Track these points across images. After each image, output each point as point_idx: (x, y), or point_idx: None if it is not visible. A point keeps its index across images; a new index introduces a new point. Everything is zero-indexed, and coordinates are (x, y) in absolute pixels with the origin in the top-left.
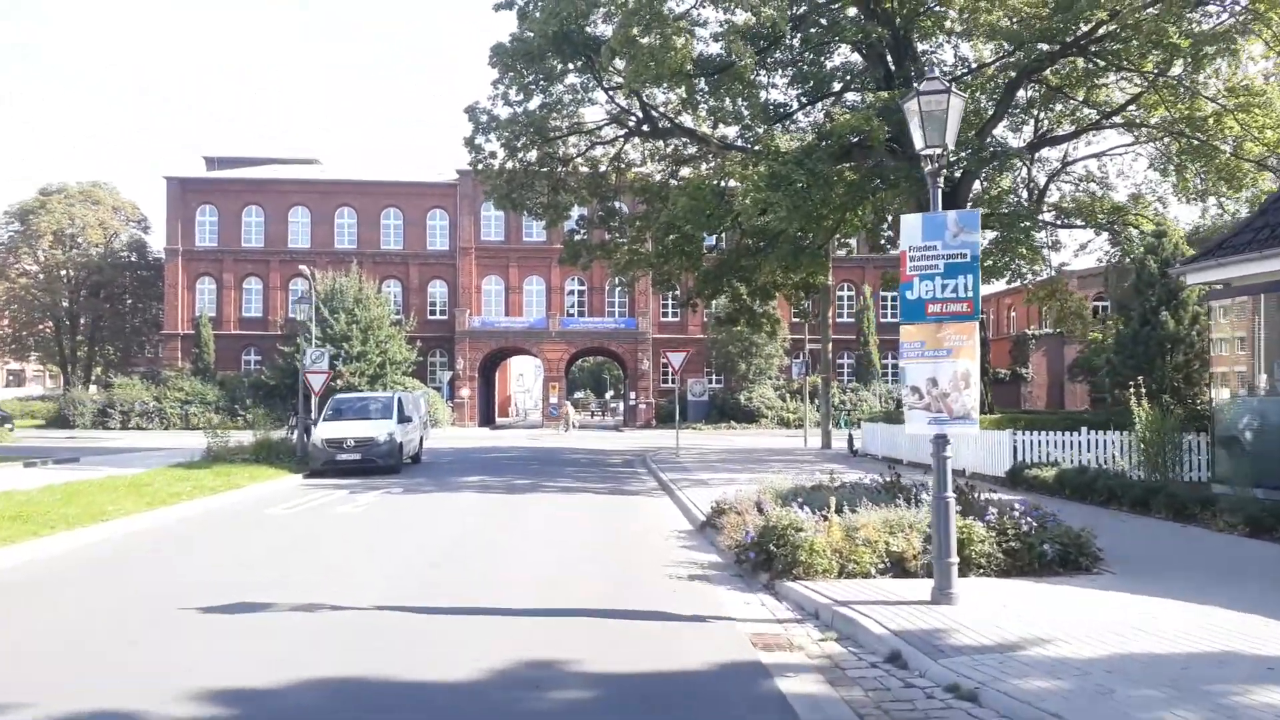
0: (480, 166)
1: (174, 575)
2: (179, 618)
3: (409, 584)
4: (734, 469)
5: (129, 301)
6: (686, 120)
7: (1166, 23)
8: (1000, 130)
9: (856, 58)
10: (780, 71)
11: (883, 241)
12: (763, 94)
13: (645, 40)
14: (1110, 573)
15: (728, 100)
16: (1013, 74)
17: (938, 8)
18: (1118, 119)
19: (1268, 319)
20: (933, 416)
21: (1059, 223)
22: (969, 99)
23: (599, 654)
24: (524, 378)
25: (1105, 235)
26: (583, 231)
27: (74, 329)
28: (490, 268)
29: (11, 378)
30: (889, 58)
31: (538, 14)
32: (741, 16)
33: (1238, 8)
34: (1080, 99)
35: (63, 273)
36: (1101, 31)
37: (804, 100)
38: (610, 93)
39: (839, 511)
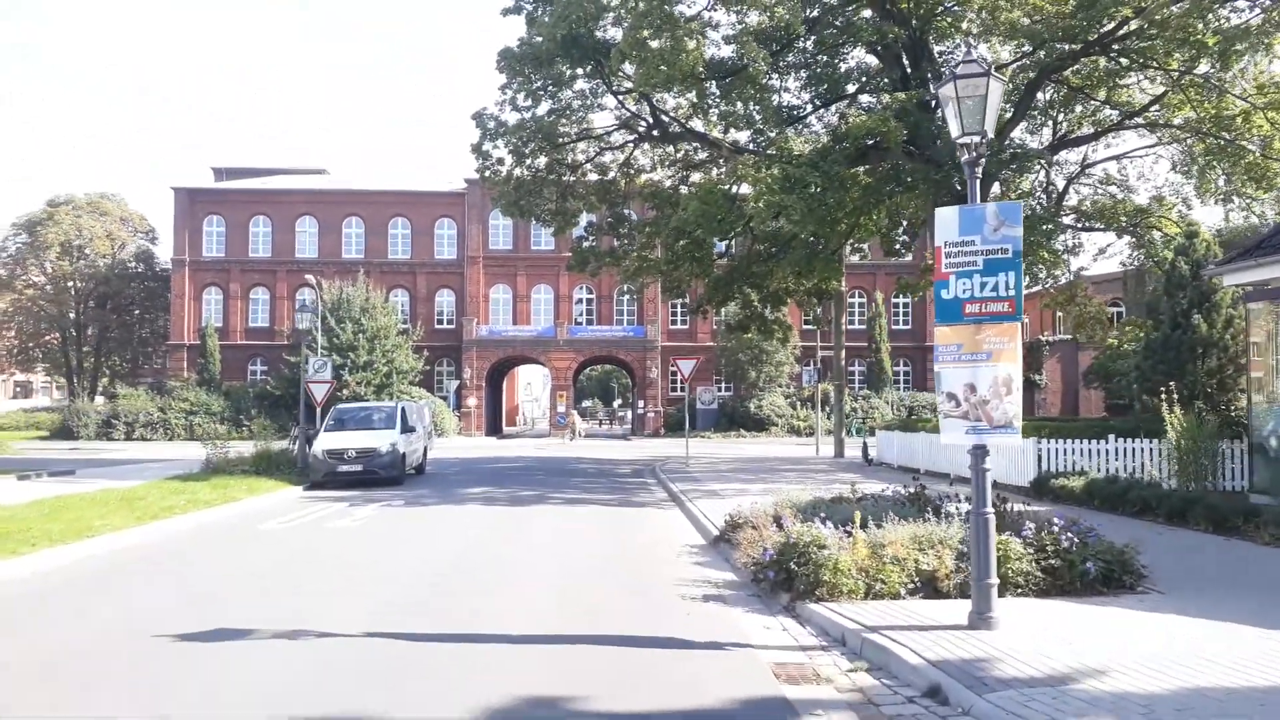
0: (488, 173)
1: (154, 597)
2: (150, 648)
3: (401, 608)
4: (746, 479)
5: (136, 312)
6: (697, 125)
7: (1194, 19)
8: (1018, 133)
9: (871, 59)
10: (793, 74)
11: (897, 246)
12: (775, 97)
13: (656, 43)
14: (1158, 592)
15: (739, 104)
16: (1032, 74)
17: (956, 7)
18: (1139, 119)
19: None
20: (971, 425)
21: (1080, 225)
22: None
23: (609, 690)
24: (532, 386)
25: (1127, 239)
26: (591, 238)
27: (80, 340)
28: (498, 276)
29: (19, 389)
30: (905, 59)
31: (546, 18)
32: (754, 18)
33: (1268, 2)
34: (1101, 99)
35: (70, 284)
36: (1125, 29)
37: (818, 103)
38: (620, 97)
39: (864, 527)
